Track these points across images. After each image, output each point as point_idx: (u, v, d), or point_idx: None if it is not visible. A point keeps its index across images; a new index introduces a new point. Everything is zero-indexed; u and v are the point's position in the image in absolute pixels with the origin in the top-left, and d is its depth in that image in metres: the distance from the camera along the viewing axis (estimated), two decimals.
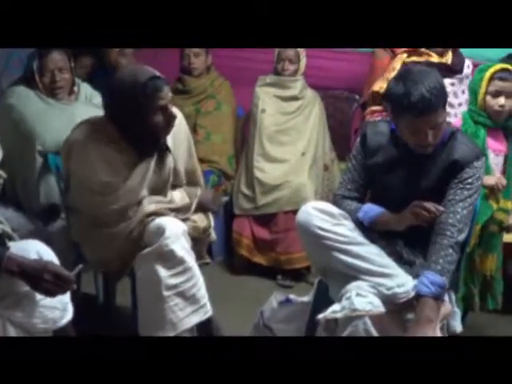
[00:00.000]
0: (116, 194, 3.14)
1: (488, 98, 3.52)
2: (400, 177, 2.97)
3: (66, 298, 2.68)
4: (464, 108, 4.08)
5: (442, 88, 2.79)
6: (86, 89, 3.98)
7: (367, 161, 3.04)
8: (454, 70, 4.13)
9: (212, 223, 3.49)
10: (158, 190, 3.28)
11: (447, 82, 3.94)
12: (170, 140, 3.29)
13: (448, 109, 3.79)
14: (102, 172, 3.12)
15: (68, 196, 3.32)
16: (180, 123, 3.37)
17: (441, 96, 2.77)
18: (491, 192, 3.50)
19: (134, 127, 3.12)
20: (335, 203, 3.07)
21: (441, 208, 2.84)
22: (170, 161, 3.29)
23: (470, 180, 2.88)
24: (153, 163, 3.22)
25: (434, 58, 4.06)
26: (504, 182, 3.50)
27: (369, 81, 4.61)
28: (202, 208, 3.41)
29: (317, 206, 2.97)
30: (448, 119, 3.90)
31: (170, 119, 3.14)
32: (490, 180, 3.46)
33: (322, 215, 2.92)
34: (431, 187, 2.92)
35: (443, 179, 2.90)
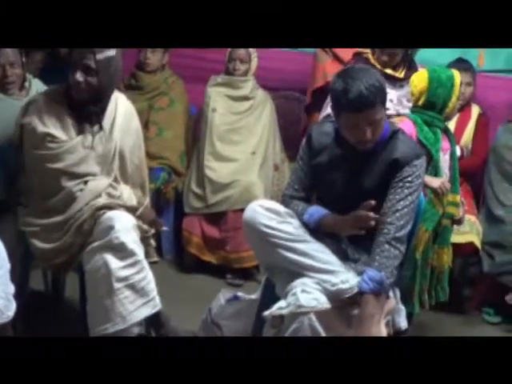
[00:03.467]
0: (59, 150, 3.23)
1: None
2: (343, 176, 3.01)
3: (10, 289, 2.67)
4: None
5: (381, 85, 2.84)
6: (37, 84, 3.95)
7: (313, 161, 3.07)
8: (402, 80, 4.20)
9: (153, 230, 3.50)
10: (103, 164, 3.32)
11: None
12: (119, 121, 3.38)
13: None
14: (49, 126, 3.24)
15: (19, 175, 3.37)
16: (132, 114, 3.49)
17: (379, 93, 2.81)
18: (436, 195, 3.54)
19: (69, 86, 3.26)
20: (283, 203, 3.10)
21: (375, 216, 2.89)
22: (116, 137, 3.35)
23: (409, 178, 2.93)
24: (100, 134, 3.31)
25: (388, 70, 4.10)
26: (448, 185, 3.55)
27: (311, 83, 4.68)
28: (141, 219, 3.40)
29: (263, 204, 2.99)
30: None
31: (94, 83, 3.21)
32: (434, 182, 3.52)
33: (267, 213, 2.94)
34: (373, 186, 2.96)
35: (385, 178, 2.95)
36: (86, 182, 3.26)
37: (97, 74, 3.19)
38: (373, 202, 2.85)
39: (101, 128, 3.31)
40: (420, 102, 3.65)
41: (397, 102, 4.10)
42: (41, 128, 3.23)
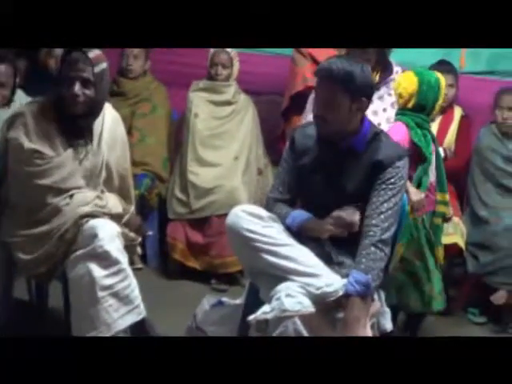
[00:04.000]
0: (47, 166, 3.18)
1: None
2: (326, 178, 3.01)
3: None
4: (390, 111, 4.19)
5: (352, 74, 2.87)
6: (20, 98, 3.93)
7: (296, 163, 3.08)
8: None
9: (139, 238, 3.50)
10: (90, 178, 3.30)
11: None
12: (106, 133, 3.34)
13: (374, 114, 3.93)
14: (37, 142, 3.18)
15: (2, 187, 3.31)
16: (118, 123, 3.46)
17: (345, 76, 2.86)
18: (411, 208, 3.52)
19: (58, 99, 3.21)
20: (267, 206, 3.11)
21: (357, 217, 2.91)
22: (103, 151, 3.32)
23: (393, 180, 2.93)
24: (87, 148, 3.27)
25: None
26: (424, 203, 3.57)
27: (289, 87, 4.68)
28: (127, 226, 3.39)
29: (246, 209, 2.99)
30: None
31: (91, 96, 3.18)
32: (414, 195, 3.53)
33: (250, 218, 2.94)
34: (356, 188, 2.97)
35: (367, 180, 2.96)
36: (71, 196, 3.22)
37: (94, 87, 3.17)
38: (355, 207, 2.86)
39: (89, 142, 3.28)
40: (410, 105, 3.64)
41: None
42: (28, 144, 3.17)
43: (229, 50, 4.73)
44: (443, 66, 4.55)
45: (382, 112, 4.15)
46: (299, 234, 3.00)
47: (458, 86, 4.57)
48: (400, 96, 3.67)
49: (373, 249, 2.87)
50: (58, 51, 4.69)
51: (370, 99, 2.99)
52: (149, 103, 4.93)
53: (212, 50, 4.75)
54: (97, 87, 3.18)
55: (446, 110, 4.56)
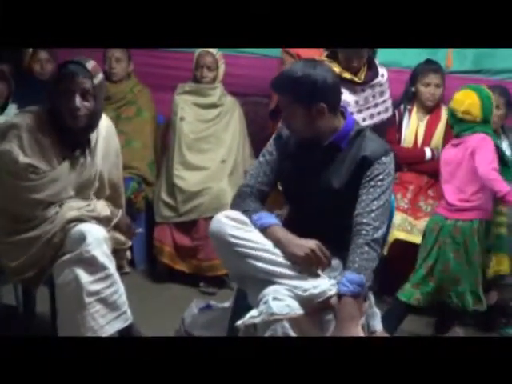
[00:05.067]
0: (41, 181, 3.13)
1: None
2: (311, 176, 3.00)
3: None
4: (377, 110, 4.20)
5: (300, 78, 2.86)
6: (10, 110, 3.91)
7: (281, 159, 3.07)
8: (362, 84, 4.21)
9: (130, 242, 3.49)
10: (82, 191, 3.26)
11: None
12: (101, 144, 3.31)
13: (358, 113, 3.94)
14: (31, 156, 3.12)
15: None
16: (112, 133, 3.43)
17: (294, 86, 2.87)
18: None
19: (54, 113, 3.15)
20: (239, 194, 3.08)
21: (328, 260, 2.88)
22: (98, 163, 3.29)
23: (381, 176, 2.92)
24: (82, 160, 3.23)
25: (346, 75, 4.12)
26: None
27: None
28: (118, 229, 3.38)
29: (229, 215, 2.97)
30: (367, 121, 4.05)
31: (91, 108, 3.13)
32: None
33: (234, 223, 2.92)
34: (342, 185, 2.96)
35: (354, 176, 2.94)
36: (61, 205, 3.19)
37: (94, 99, 3.13)
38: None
39: (84, 154, 3.24)
40: (478, 119, 3.82)
41: (355, 105, 4.11)
42: (22, 158, 3.10)
43: (214, 52, 4.73)
44: (430, 65, 4.58)
45: (365, 110, 4.16)
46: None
47: (444, 85, 4.56)
48: (467, 113, 3.82)
49: (366, 248, 2.85)
50: (43, 55, 4.73)
51: (329, 100, 2.92)
52: (133, 106, 4.93)
53: (197, 53, 4.74)
54: (96, 99, 3.14)
55: (433, 110, 4.57)
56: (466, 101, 3.81)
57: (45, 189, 3.14)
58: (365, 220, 2.88)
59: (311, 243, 2.85)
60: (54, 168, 3.16)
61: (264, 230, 2.92)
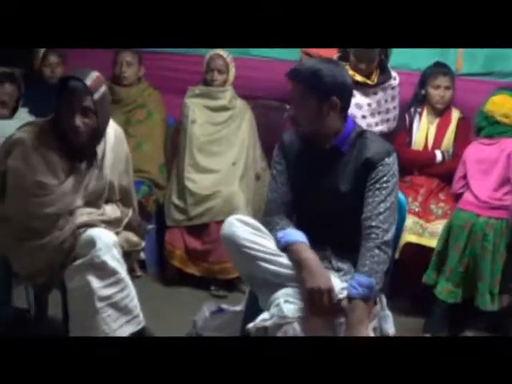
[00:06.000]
0: (50, 196, 3.11)
1: None
2: (316, 181, 3.00)
3: None
4: (387, 116, 4.19)
5: (319, 74, 2.87)
6: (20, 114, 3.92)
7: (287, 165, 3.07)
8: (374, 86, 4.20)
9: (143, 242, 3.48)
10: (93, 201, 3.25)
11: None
12: (109, 153, 3.28)
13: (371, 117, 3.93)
14: (39, 172, 3.10)
15: (0, 204, 3.24)
16: (121, 140, 3.40)
17: (311, 77, 2.87)
18: None
19: (61, 128, 3.12)
20: (266, 212, 3.09)
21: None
22: (107, 173, 3.27)
23: (385, 178, 2.92)
24: (90, 173, 3.21)
25: (359, 77, 4.11)
26: None
27: None
28: (129, 228, 3.38)
29: (240, 219, 2.98)
30: (379, 127, 4.04)
31: (93, 124, 3.11)
32: None
33: (246, 227, 2.92)
34: (348, 188, 2.96)
35: (358, 179, 2.94)
36: (71, 213, 3.18)
37: (95, 115, 3.09)
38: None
39: (92, 165, 3.21)
40: None
41: (368, 108, 4.10)
42: (30, 175, 3.09)
43: (224, 55, 4.73)
44: (439, 67, 4.56)
45: (377, 115, 4.15)
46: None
47: (454, 87, 4.55)
48: (506, 116, 4.01)
49: (377, 251, 2.85)
50: (53, 59, 4.74)
51: (343, 98, 2.94)
52: (144, 110, 4.92)
53: (207, 56, 4.75)
54: (98, 114, 3.09)
55: (444, 112, 4.55)
56: (507, 104, 3.98)
57: (54, 203, 3.13)
58: (373, 223, 2.88)
59: (324, 284, 2.80)
60: (61, 182, 3.15)
61: (288, 247, 2.91)
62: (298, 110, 2.96)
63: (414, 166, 4.47)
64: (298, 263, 2.86)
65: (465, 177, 4.11)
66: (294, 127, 4.35)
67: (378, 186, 2.91)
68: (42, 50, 4.74)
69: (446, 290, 3.88)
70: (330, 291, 2.79)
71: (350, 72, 3.98)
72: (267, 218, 3.06)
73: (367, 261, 2.84)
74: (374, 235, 2.87)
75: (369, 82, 4.13)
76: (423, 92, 4.57)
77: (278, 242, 2.94)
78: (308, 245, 2.92)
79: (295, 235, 2.94)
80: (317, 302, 2.79)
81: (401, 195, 3.15)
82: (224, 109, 4.80)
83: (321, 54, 4.51)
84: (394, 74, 4.27)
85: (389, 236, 2.89)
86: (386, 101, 4.22)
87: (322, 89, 2.88)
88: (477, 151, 4.05)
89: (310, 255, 2.87)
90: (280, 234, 2.95)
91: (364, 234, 2.89)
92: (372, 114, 4.13)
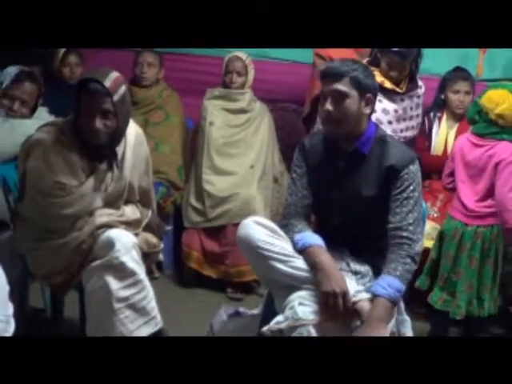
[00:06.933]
0: (69, 197, 3.12)
1: None
2: (338, 184, 3.01)
3: (9, 311, 2.64)
4: (411, 123, 4.17)
5: (358, 71, 2.90)
6: (40, 113, 3.93)
7: (308, 171, 3.07)
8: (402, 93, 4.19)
9: (162, 244, 3.48)
10: (112, 202, 3.25)
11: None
12: (129, 154, 3.28)
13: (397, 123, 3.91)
14: (58, 173, 3.10)
15: (20, 204, 3.27)
16: (141, 141, 3.40)
17: (352, 74, 2.88)
18: None
19: (81, 129, 3.12)
20: (284, 215, 3.09)
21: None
22: (126, 174, 3.27)
23: (411, 187, 2.93)
24: (110, 174, 3.21)
25: (388, 84, 4.09)
26: None
27: (309, 92, 4.64)
28: (148, 229, 3.38)
29: (257, 220, 3.00)
30: (403, 133, 4.02)
31: (113, 126, 3.11)
32: None
33: (262, 229, 2.94)
34: (370, 194, 2.96)
35: (381, 185, 2.95)
36: (91, 214, 3.18)
37: (115, 116, 3.09)
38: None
39: (112, 166, 3.22)
40: (510, 126, 3.66)
41: (394, 114, 4.09)
42: (49, 175, 3.10)
43: (244, 57, 4.73)
44: (459, 72, 4.54)
45: (402, 121, 4.14)
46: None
47: (474, 93, 4.54)
48: (500, 117, 3.64)
49: (409, 260, 2.87)
50: (73, 59, 4.75)
51: (375, 96, 2.99)
52: (162, 111, 4.93)
53: (227, 58, 4.75)
54: (118, 115, 3.09)
55: (463, 117, 4.51)
56: (503, 104, 3.64)
57: (73, 204, 3.13)
58: (405, 234, 2.89)
59: (339, 287, 2.80)
60: (81, 183, 3.15)
61: (305, 250, 2.91)
62: (336, 107, 2.90)
63: (433, 170, 4.45)
64: (314, 266, 2.87)
65: (452, 174, 3.90)
66: (310, 130, 4.39)
67: (405, 195, 2.91)
68: (62, 50, 4.75)
69: (441, 299, 3.79)
70: (344, 295, 2.80)
71: (379, 78, 3.96)
72: (285, 220, 3.07)
73: (400, 266, 2.85)
74: (406, 246, 2.88)
75: (397, 89, 4.11)
76: (443, 97, 4.55)
77: (295, 244, 2.95)
78: (325, 248, 2.92)
79: (312, 238, 2.94)
80: (331, 305, 2.79)
81: (422, 202, 3.13)
82: (242, 111, 4.80)
83: (330, 55, 4.52)
84: (420, 82, 4.26)
85: (420, 246, 2.92)
86: (411, 108, 4.20)
87: (361, 84, 2.90)
88: (465, 149, 3.80)
89: (326, 258, 2.87)
90: (297, 237, 2.96)
91: (395, 243, 2.90)
92: (398, 121, 4.11)
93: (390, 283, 2.80)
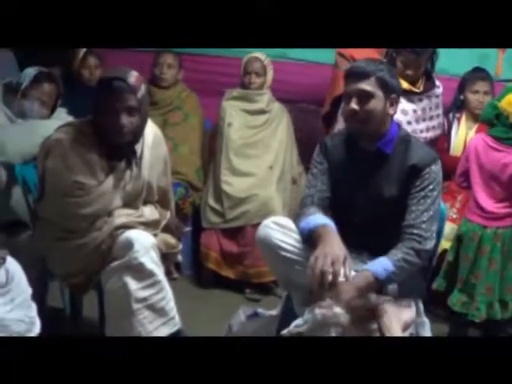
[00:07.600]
0: (88, 196, 3.12)
1: None
2: (359, 183, 3.00)
3: (32, 312, 2.66)
4: (432, 123, 4.15)
5: (383, 72, 2.91)
6: (59, 114, 3.94)
7: (329, 169, 3.07)
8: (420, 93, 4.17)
9: (180, 245, 3.49)
10: (131, 202, 3.26)
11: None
12: (147, 154, 3.29)
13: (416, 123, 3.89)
14: (77, 172, 3.10)
15: (40, 204, 3.28)
16: (160, 141, 3.41)
17: (378, 74, 2.89)
18: None
19: (100, 128, 3.13)
20: (301, 205, 3.07)
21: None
22: (144, 174, 3.28)
23: (431, 187, 2.92)
24: (128, 173, 3.22)
25: (405, 85, 4.08)
26: None
27: (331, 91, 4.63)
28: (167, 230, 3.39)
29: (276, 221, 2.99)
30: (424, 134, 4.01)
31: (137, 123, 3.12)
32: None
33: (282, 229, 2.94)
34: (392, 193, 2.96)
35: (403, 185, 2.94)
36: (110, 213, 3.19)
37: (139, 113, 3.10)
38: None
39: (131, 165, 3.22)
40: None
41: (413, 114, 4.07)
42: (68, 175, 3.10)
43: (262, 58, 4.73)
44: (478, 72, 4.52)
45: (422, 121, 4.13)
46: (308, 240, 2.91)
47: (493, 93, 4.51)
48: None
49: (412, 252, 2.85)
50: (92, 61, 4.77)
51: (399, 97, 3.01)
52: (180, 112, 4.94)
53: (245, 59, 4.75)
54: (141, 113, 3.11)
55: None
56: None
57: (92, 204, 3.13)
58: (416, 231, 2.88)
59: (334, 252, 2.72)
60: (100, 182, 3.15)
61: (313, 232, 2.87)
62: (362, 106, 2.89)
63: (452, 172, 4.42)
64: (317, 243, 2.81)
65: (466, 173, 3.86)
66: (329, 129, 4.39)
67: (423, 194, 2.90)
68: (82, 52, 4.77)
69: (459, 301, 3.75)
70: (339, 260, 2.70)
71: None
72: (300, 210, 3.05)
73: (400, 254, 2.85)
74: (414, 242, 2.87)
75: (414, 89, 4.09)
76: (462, 97, 4.53)
77: (301, 231, 2.93)
78: (334, 229, 2.87)
79: (319, 219, 2.91)
80: (320, 269, 2.68)
81: (441, 203, 3.12)
82: (261, 112, 4.80)
83: (352, 55, 4.51)
84: (437, 82, 4.24)
85: (430, 245, 2.90)
86: (431, 108, 4.19)
87: (387, 85, 2.91)
88: (480, 150, 3.75)
89: (327, 233, 2.81)
90: (303, 223, 2.92)
91: (405, 238, 2.89)
92: (417, 121, 4.09)
93: (381, 261, 2.81)
